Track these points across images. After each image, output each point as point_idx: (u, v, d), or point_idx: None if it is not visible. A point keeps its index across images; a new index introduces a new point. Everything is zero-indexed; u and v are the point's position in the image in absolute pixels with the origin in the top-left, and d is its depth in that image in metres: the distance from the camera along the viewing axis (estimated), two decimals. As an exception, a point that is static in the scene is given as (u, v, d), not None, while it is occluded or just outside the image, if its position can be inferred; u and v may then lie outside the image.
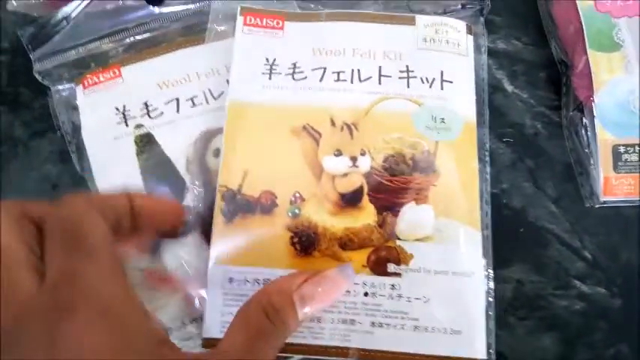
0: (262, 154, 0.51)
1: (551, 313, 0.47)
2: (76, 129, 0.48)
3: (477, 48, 0.55)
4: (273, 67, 0.53)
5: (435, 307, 0.47)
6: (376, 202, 0.51)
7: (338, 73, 0.54)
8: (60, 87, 0.50)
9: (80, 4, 0.50)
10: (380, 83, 0.54)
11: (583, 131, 0.50)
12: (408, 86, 0.54)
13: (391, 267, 0.48)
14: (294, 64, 0.54)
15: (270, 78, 0.53)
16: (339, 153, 0.52)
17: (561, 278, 0.48)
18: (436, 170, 0.51)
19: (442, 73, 0.54)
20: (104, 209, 0.32)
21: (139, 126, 0.49)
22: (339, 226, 0.51)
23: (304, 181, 0.51)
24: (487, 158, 0.51)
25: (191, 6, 0.54)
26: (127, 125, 0.49)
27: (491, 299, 0.45)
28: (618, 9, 0.52)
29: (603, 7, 0.52)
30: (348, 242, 0.50)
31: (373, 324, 0.47)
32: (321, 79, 0.53)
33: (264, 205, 0.51)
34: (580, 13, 0.51)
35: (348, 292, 0.48)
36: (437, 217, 0.50)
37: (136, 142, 0.49)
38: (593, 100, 0.49)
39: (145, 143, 0.49)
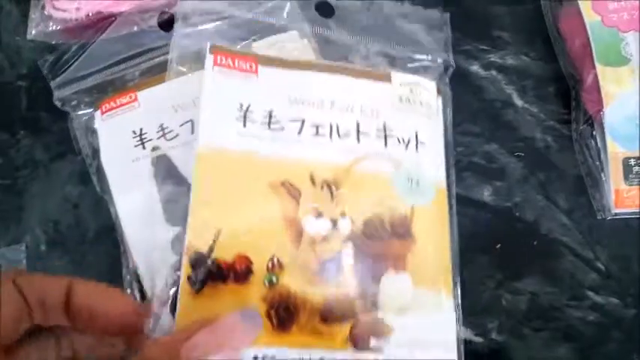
0: (237, 210, 0.42)
1: (565, 324, 0.45)
2: (96, 152, 0.46)
3: (444, 108, 0.49)
4: (248, 113, 0.45)
5: None
6: (356, 270, 0.43)
7: (317, 126, 0.46)
8: (79, 112, 0.49)
9: (97, 32, 0.48)
10: (359, 141, 0.47)
11: (593, 144, 0.48)
12: (386, 145, 0.47)
13: (373, 342, 0.42)
14: (270, 113, 0.46)
15: (244, 125, 0.45)
16: (319, 215, 0.46)
17: (575, 289, 0.46)
18: (413, 236, 0.45)
19: (417, 134, 0.48)
20: (29, 288, 0.29)
21: (155, 148, 0.47)
22: (320, 295, 0.44)
23: (283, 245, 0.43)
24: (454, 220, 0.46)
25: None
26: (144, 148, 0.47)
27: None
28: (625, 23, 0.49)
29: (610, 21, 0.49)
30: (329, 314, 0.42)
31: None
32: (299, 132, 0.46)
33: (237, 272, 0.42)
34: (587, 27, 0.49)
35: None
36: (415, 286, 0.43)
37: (153, 163, 0.46)
38: (602, 114, 0.47)
39: (162, 165, 0.46)
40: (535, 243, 0.47)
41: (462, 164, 0.50)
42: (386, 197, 0.45)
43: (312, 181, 0.45)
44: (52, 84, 0.48)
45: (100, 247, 0.47)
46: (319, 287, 0.44)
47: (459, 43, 0.51)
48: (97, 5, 0.47)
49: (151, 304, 0.39)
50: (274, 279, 0.44)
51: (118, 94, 0.48)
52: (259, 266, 0.43)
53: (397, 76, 0.49)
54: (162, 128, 0.47)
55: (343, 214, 0.44)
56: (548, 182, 0.48)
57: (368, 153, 0.46)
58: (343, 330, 0.42)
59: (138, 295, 0.42)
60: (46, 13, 0.47)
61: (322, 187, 0.45)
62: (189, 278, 0.41)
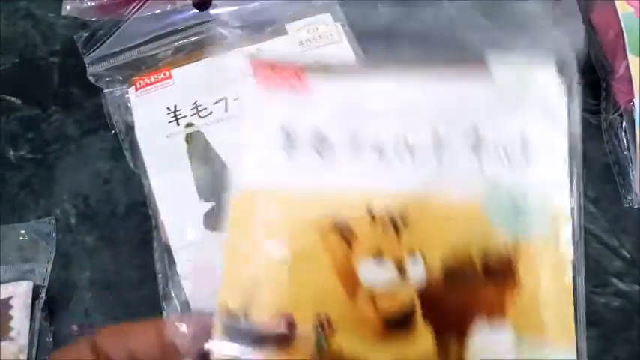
0: (276, 261, 0.33)
1: (590, 309, 0.39)
2: (129, 128, 0.45)
3: (570, 103, 0.35)
4: (293, 138, 0.34)
5: None
6: (434, 322, 0.32)
7: (379, 145, 0.34)
8: (112, 89, 0.46)
9: (131, 9, 0.47)
10: (438, 158, 0.34)
11: (622, 134, 0.46)
12: (478, 160, 0.34)
13: None
14: (321, 135, 0.34)
15: (288, 156, 0.35)
16: (380, 257, 0.34)
17: (600, 276, 0.45)
18: (516, 280, 0.32)
19: (524, 137, 0.33)
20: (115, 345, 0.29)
21: (189, 125, 0.45)
22: (384, 356, 0.32)
23: (333, 299, 0.32)
24: (582, 261, 0.35)
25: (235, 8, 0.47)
26: (177, 124, 0.45)
27: None
28: (659, 14, 0.42)
29: (643, 12, 0.42)
30: None
31: None
32: (357, 155, 0.35)
33: (279, 335, 0.32)
34: (620, 18, 0.47)
35: None
36: (519, 341, 0.32)
37: (186, 140, 0.44)
38: (633, 104, 0.45)
39: (195, 141, 0.45)
40: None
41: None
42: (476, 229, 0.31)
43: (372, 216, 0.32)
44: (86, 59, 0.45)
45: (130, 222, 0.45)
46: (383, 349, 0.32)
47: (490, 32, 0.46)
48: None
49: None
50: (323, 342, 0.34)
51: (152, 71, 0.46)
52: (304, 326, 0.32)
53: (500, 69, 0.34)
54: (195, 105, 0.45)
55: (413, 254, 0.32)
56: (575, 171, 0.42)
57: (451, 174, 0.32)
58: None
59: (168, 270, 0.40)
60: None
61: (384, 223, 0.32)
62: (222, 339, 0.32)
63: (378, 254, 0.31)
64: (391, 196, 0.32)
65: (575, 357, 0.31)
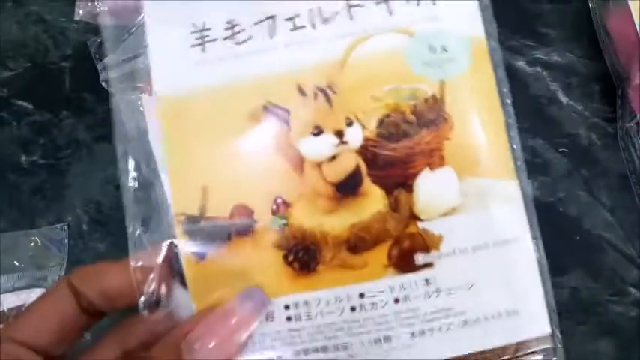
0: (220, 158, 0.31)
1: (607, 318, 0.42)
2: (143, 135, 0.41)
3: None
4: (205, 32, 0.32)
5: (482, 291, 0.31)
6: (381, 182, 0.31)
7: (292, 18, 0.32)
8: (126, 94, 0.42)
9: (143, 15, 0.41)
10: (351, 18, 0.31)
11: (638, 142, 0.44)
12: (390, 12, 0.31)
13: (419, 258, 0.31)
14: (232, 22, 0.32)
15: (203, 50, 0.32)
16: (319, 131, 0.31)
17: (617, 285, 0.43)
18: (447, 119, 0.31)
19: None
20: (87, 283, 0.30)
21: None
22: (342, 224, 0.31)
23: (283, 181, 0.31)
24: (505, 85, 0.32)
25: None
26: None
27: (543, 261, 0.32)
28: (675, 22, 0.37)
29: (659, 19, 0.37)
30: (358, 242, 0.31)
31: (413, 334, 0.31)
32: (271, 35, 0.33)
33: (239, 226, 0.32)
34: (636, 26, 0.44)
35: (373, 304, 0.32)
36: (461, 180, 0.31)
37: None
38: None
39: None
40: (578, 238, 0.43)
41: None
42: (402, 80, 0.30)
43: (301, 91, 0.31)
44: (99, 65, 0.43)
45: (143, 229, 0.40)
46: (338, 215, 0.31)
47: (505, 38, 0.46)
48: None
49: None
50: (283, 221, 0.32)
51: None
52: (262, 212, 0.31)
53: None
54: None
55: (349, 122, 0.30)
56: (591, 179, 0.44)
57: (367, 30, 0.30)
58: (379, 255, 0.31)
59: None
60: None
61: (316, 96, 0.32)
62: (187, 246, 0.31)
63: (316, 128, 0.30)
64: (315, 67, 0.30)
65: (517, 187, 0.31)
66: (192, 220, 0.31)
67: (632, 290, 0.42)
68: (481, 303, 0.31)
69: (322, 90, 0.31)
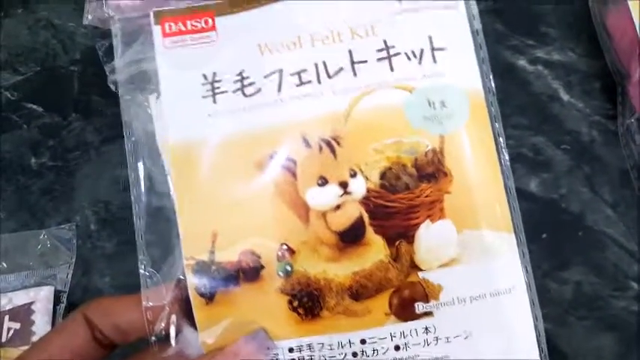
0: (229, 205, 0.30)
1: (609, 313, 0.41)
2: (150, 136, 0.40)
3: None
4: (215, 84, 0.32)
5: (478, 339, 0.30)
6: (383, 232, 0.30)
7: (298, 73, 0.31)
8: (133, 96, 0.41)
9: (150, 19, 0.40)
10: (355, 74, 0.31)
11: (639, 139, 0.42)
12: (392, 69, 0.31)
13: (419, 307, 0.30)
14: (241, 74, 0.32)
15: (214, 101, 0.31)
16: (324, 181, 0.31)
17: (619, 280, 0.41)
18: (447, 173, 0.30)
19: (431, 39, 0.31)
20: (100, 316, 0.29)
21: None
22: (345, 272, 0.30)
23: (289, 228, 0.30)
24: (502, 140, 0.32)
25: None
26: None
27: (537, 312, 0.31)
28: (674, 18, 0.37)
29: (659, 16, 0.37)
30: (360, 290, 0.30)
31: None
32: (279, 89, 0.31)
33: (246, 271, 0.31)
34: (636, 24, 0.42)
35: (375, 350, 0.31)
36: (460, 232, 0.30)
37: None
38: None
39: None
40: (580, 234, 0.42)
41: (510, 156, 0.41)
42: (403, 134, 0.30)
43: (306, 142, 0.30)
44: (107, 67, 0.41)
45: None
46: (342, 263, 0.30)
47: (506, 37, 0.45)
48: None
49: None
50: (288, 267, 0.32)
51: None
52: (268, 258, 0.30)
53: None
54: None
55: (353, 173, 0.30)
56: (593, 175, 0.43)
57: (369, 85, 0.30)
58: (380, 303, 0.30)
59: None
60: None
61: (320, 148, 0.31)
62: (197, 289, 0.30)
63: (321, 179, 0.29)
64: (320, 120, 0.30)
65: (514, 240, 0.30)
66: (201, 264, 0.31)
67: (635, 285, 0.41)
68: (477, 351, 0.30)
69: (327, 142, 0.31)
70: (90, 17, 0.41)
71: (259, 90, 0.31)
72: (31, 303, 0.39)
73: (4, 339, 0.37)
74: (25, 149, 0.45)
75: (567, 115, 0.45)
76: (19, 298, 0.39)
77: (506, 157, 0.31)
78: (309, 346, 0.30)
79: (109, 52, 0.41)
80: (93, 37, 0.43)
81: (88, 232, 0.42)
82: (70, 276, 0.41)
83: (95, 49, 0.41)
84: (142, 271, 0.31)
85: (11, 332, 0.38)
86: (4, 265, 0.40)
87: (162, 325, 0.30)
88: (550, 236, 0.40)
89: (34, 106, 0.46)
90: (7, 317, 0.37)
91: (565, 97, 0.45)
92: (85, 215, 0.43)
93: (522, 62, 0.46)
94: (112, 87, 0.40)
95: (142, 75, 0.41)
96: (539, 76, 0.45)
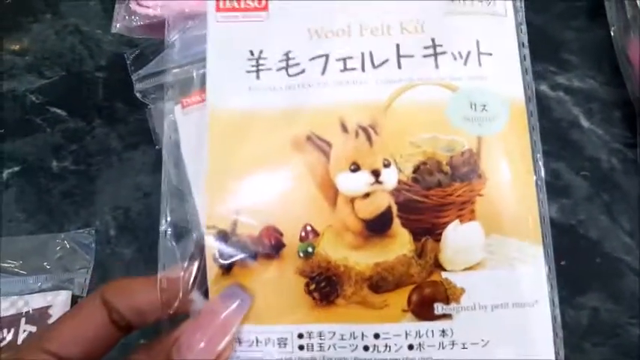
0: (258, 178, 0.30)
1: (626, 341, 0.39)
2: (176, 144, 0.40)
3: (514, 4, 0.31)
4: (260, 61, 0.31)
5: (496, 350, 0.28)
6: (410, 226, 0.29)
7: (344, 59, 0.31)
8: (159, 105, 0.41)
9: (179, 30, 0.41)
10: (400, 67, 0.30)
11: None
12: (437, 66, 0.30)
13: (439, 308, 0.28)
14: (287, 55, 0.31)
15: (257, 77, 0.31)
16: (356, 167, 0.30)
17: (636, 308, 0.39)
18: (481, 175, 0.29)
19: (478, 43, 0.30)
20: (119, 298, 0.28)
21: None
22: (367, 262, 0.29)
23: (315, 210, 0.29)
24: (539, 151, 0.30)
25: None
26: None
27: (558, 329, 0.29)
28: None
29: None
30: (380, 282, 0.29)
31: None
32: (323, 72, 0.31)
33: (267, 247, 0.30)
34: None
35: (387, 346, 0.29)
36: (487, 236, 0.29)
37: None
38: None
39: None
40: (598, 261, 0.40)
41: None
42: (441, 131, 0.29)
43: (344, 128, 0.30)
44: (134, 76, 0.41)
45: (170, 236, 0.39)
46: (364, 252, 0.29)
47: (529, 63, 0.43)
48: (181, 4, 0.40)
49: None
50: (310, 249, 0.30)
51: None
52: (291, 237, 0.29)
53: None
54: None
55: (387, 163, 0.29)
56: (612, 203, 0.41)
57: (413, 80, 0.29)
58: (399, 298, 0.29)
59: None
60: (131, 8, 0.41)
61: (357, 134, 0.30)
62: (215, 259, 0.29)
63: (354, 164, 0.28)
64: (360, 107, 0.29)
65: (542, 252, 0.29)
66: (222, 234, 0.30)
67: (652, 313, 0.36)
68: None
69: (364, 129, 0.30)
70: (118, 26, 0.41)
71: (303, 71, 0.31)
72: (49, 307, 0.37)
73: (19, 341, 0.36)
74: (47, 152, 0.44)
75: (587, 141, 0.44)
76: (37, 302, 0.37)
77: (542, 168, 0.30)
78: (320, 334, 0.29)
79: (138, 61, 0.40)
80: (119, 44, 0.46)
81: (107, 238, 0.41)
82: (87, 281, 0.39)
83: (120, 56, 0.41)
84: (161, 239, 0.30)
85: (27, 335, 0.36)
86: (23, 267, 0.40)
87: (178, 301, 0.28)
88: (568, 262, 0.38)
89: (59, 111, 0.46)
90: (23, 320, 0.37)
91: (585, 123, 0.44)
92: (105, 220, 0.41)
93: (544, 87, 0.45)
94: (139, 95, 0.40)
95: (169, 85, 0.41)
96: (560, 102, 0.44)
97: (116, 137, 0.44)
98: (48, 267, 0.39)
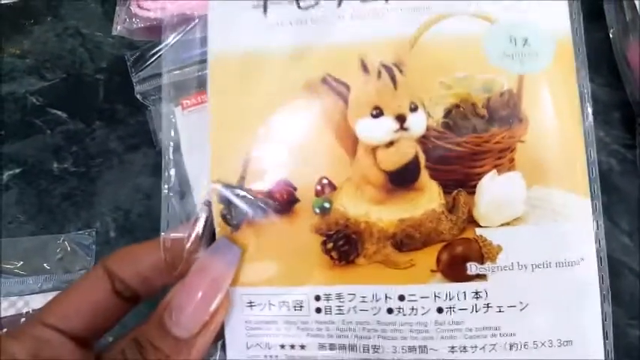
0: (268, 127, 0.26)
1: (625, 341, 0.38)
2: (175, 146, 0.39)
3: None
4: None
5: (535, 314, 0.25)
6: (441, 178, 0.25)
7: None
8: (159, 107, 0.41)
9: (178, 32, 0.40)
10: None
11: None
12: None
13: (472, 267, 0.25)
14: None
15: (265, 11, 0.27)
16: (378, 112, 0.26)
17: (635, 309, 0.39)
18: (523, 119, 0.25)
19: None
20: (121, 266, 0.27)
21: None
22: (390, 218, 0.26)
23: (332, 161, 0.26)
24: (587, 93, 0.27)
25: None
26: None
27: (606, 290, 0.26)
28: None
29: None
30: (405, 240, 0.26)
31: (453, 349, 0.25)
32: (339, 3, 0.27)
33: (279, 203, 0.26)
34: None
35: (413, 309, 0.27)
36: (529, 188, 0.25)
37: None
38: None
39: None
40: None
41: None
42: (477, 69, 0.25)
43: (365, 67, 0.25)
44: (134, 78, 0.40)
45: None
46: (387, 207, 0.26)
47: None
48: (181, 6, 0.39)
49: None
50: (326, 204, 0.26)
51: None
52: (305, 192, 0.26)
53: None
54: None
55: (414, 107, 0.25)
56: (611, 204, 0.40)
57: (444, 9, 0.25)
58: (427, 257, 0.26)
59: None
60: (131, 10, 0.40)
61: (379, 74, 0.26)
62: (223, 216, 0.26)
63: (376, 109, 0.24)
64: (383, 43, 0.25)
65: (589, 205, 0.25)
66: (229, 188, 0.26)
67: (652, 314, 0.35)
68: (533, 327, 0.25)
69: (388, 68, 0.26)
70: (118, 28, 0.41)
71: (317, 3, 0.26)
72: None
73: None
74: (48, 154, 0.43)
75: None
76: (37, 302, 0.37)
77: (590, 113, 0.26)
78: (339, 296, 0.26)
79: (138, 63, 0.40)
80: (120, 47, 0.45)
81: (107, 239, 0.40)
82: (87, 282, 0.36)
83: (121, 58, 0.41)
84: (163, 194, 0.29)
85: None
86: (23, 268, 0.40)
87: (183, 265, 0.26)
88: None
89: (59, 112, 0.45)
90: (23, 320, 0.36)
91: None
92: (105, 222, 0.41)
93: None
94: (139, 97, 0.40)
95: (170, 86, 0.40)
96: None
97: (116, 139, 0.43)
98: (48, 268, 0.39)
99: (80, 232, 0.40)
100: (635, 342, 0.39)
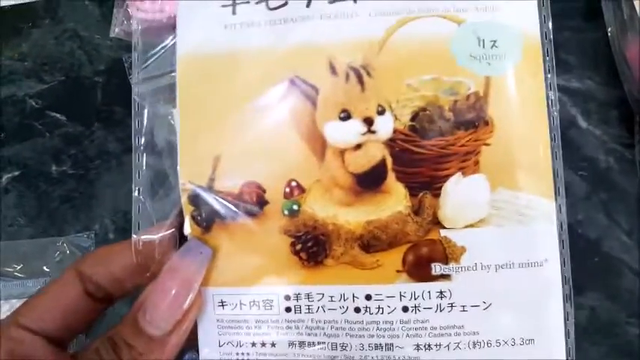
0: (237, 129, 0.26)
1: (624, 340, 0.38)
2: (172, 147, 0.38)
3: None
4: None
5: (499, 313, 0.25)
6: (407, 180, 0.25)
7: None
8: (157, 108, 0.39)
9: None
10: None
11: None
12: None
13: (436, 268, 0.25)
14: None
15: (234, 12, 0.27)
16: (346, 115, 0.26)
17: (635, 307, 0.39)
18: (489, 121, 0.25)
19: None
20: (94, 268, 0.27)
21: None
22: (358, 219, 0.26)
23: (301, 163, 0.26)
24: (554, 95, 0.26)
25: None
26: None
27: (568, 290, 0.26)
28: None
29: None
30: (372, 241, 0.26)
31: (418, 347, 0.26)
32: (308, 4, 0.26)
33: (248, 204, 0.27)
34: None
35: (379, 308, 0.27)
36: (494, 190, 0.25)
37: None
38: None
39: None
40: (596, 260, 0.39)
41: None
42: (444, 72, 0.24)
43: (332, 69, 0.25)
44: (132, 79, 0.39)
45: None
46: (355, 209, 0.26)
47: None
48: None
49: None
50: (295, 206, 0.26)
51: None
52: (274, 193, 0.26)
53: None
54: None
55: (381, 110, 0.25)
56: (610, 202, 0.40)
57: (412, 11, 0.24)
58: (393, 258, 0.26)
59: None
60: (129, 12, 0.39)
61: (347, 76, 0.25)
62: (193, 217, 0.26)
63: (344, 112, 0.23)
64: (351, 45, 0.25)
65: (554, 209, 0.25)
66: (199, 189, 0.26)
67: (650, 312, 0.35)
68: (496, 326, 0.25)
69: (355, 70, 0.25)
70: (117, 30, 0.40)
71: (286, 3, 0.26)
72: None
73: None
74: (46, 157, 0.43)
75: (585, 141, 0.43)
76: None
77: (557, 115, 0.26)
78: (308, 295, 0.26)
79: (136, 64, 0.39)
80: (118, 49, 0.45)
81: (106, 241, 0.40)
82: (86, 285, 0.36)
83: (119, 61, 0.40)
84: (134, 195, 0.28)
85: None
86: (22, 270, 0.40)
87: (154, 266, 0.26)
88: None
89: (58, 115, 0.44)
90: None
91: (583, 124, 0.43)
92: (104, 224, 0.40)
93: (541, 87, 0.39)
94: (137, 99, 0.39)
95: (167, 87, 0.38)
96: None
97: (115, 141, 0.43)
98: (48, 270, 0.38)
99: (79, 234, 0.40)
100: (634, 340, 0.39)
